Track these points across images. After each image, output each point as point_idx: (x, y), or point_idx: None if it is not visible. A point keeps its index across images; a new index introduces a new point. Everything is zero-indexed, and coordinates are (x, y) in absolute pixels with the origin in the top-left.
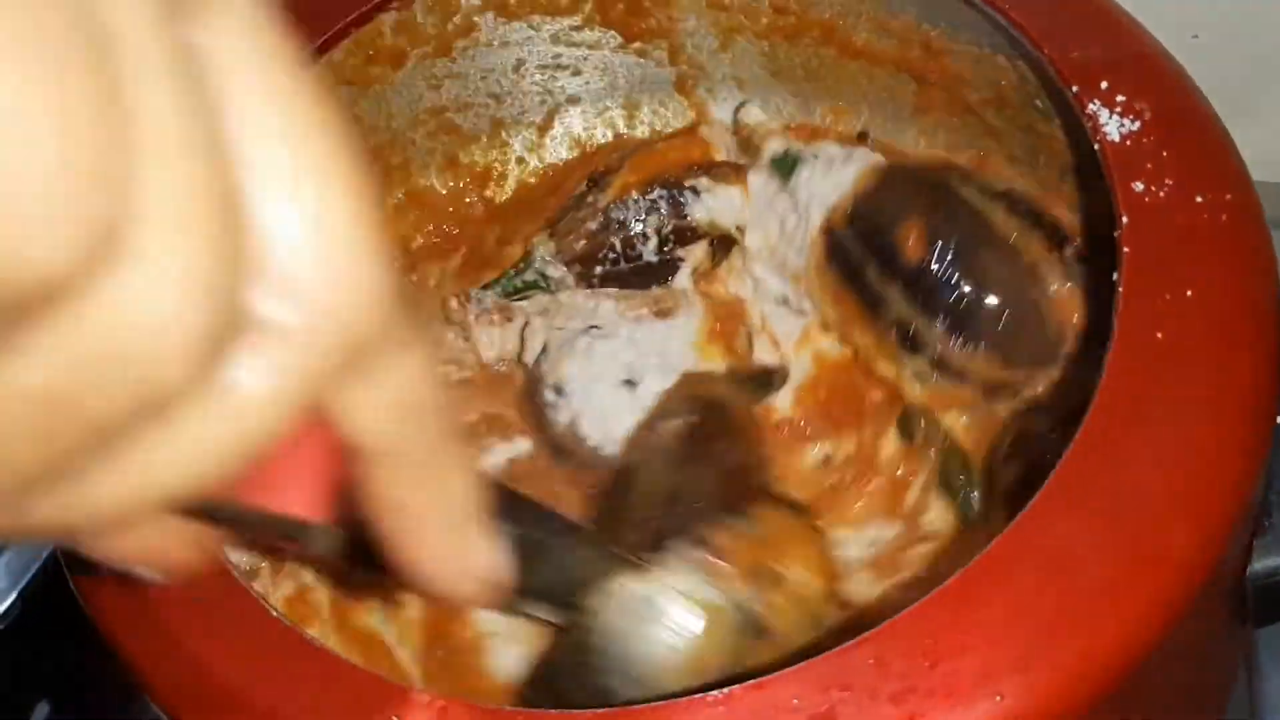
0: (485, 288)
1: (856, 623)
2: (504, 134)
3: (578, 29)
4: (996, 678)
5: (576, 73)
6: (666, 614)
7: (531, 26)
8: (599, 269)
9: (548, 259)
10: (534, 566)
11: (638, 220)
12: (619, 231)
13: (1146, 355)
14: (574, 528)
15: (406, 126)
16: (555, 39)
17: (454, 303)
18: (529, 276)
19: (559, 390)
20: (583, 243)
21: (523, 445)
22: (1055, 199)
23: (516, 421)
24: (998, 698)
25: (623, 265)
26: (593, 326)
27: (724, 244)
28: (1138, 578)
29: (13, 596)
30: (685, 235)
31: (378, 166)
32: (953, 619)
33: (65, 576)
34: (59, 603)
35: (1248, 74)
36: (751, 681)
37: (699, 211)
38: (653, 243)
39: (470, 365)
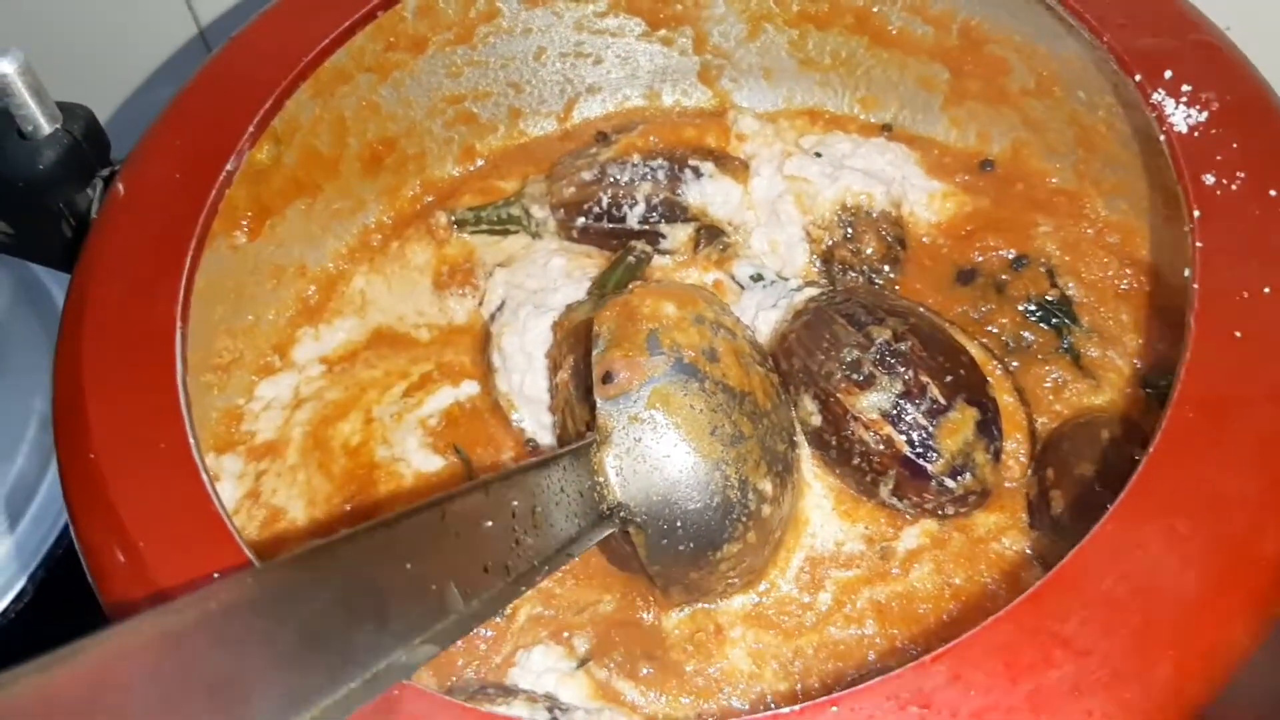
0: (472, 210)
1: (917, 625)
2: (521, 124)
3: (602, 15)
4: (1085, 694)
5: (598, 61)
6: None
7: (554, 13)
8: (580, 220)
9: (536, 197)
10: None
11: (633, 183)
12: (610, 188)
13: (1227, 354)
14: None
15: (424, 116)
16: (579, 26)
17: (441, 218)
18: (514, 210)
19: (503, 358)
20: (572, 189)
21: (469, 389)
22: (1093, 192)
23: (468, 367)
24: (1087, 715)
25: (604, 223)
26: (536, 291)
27: (710, 234)
28: (1230, 584)
29: (23, 581)
30: (674, 212)
31: (394, 156)
32: (1034, 632)
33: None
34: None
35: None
36: (825, 699)
37: (694, 194)
38: (639, 209)
39: (439, 325)
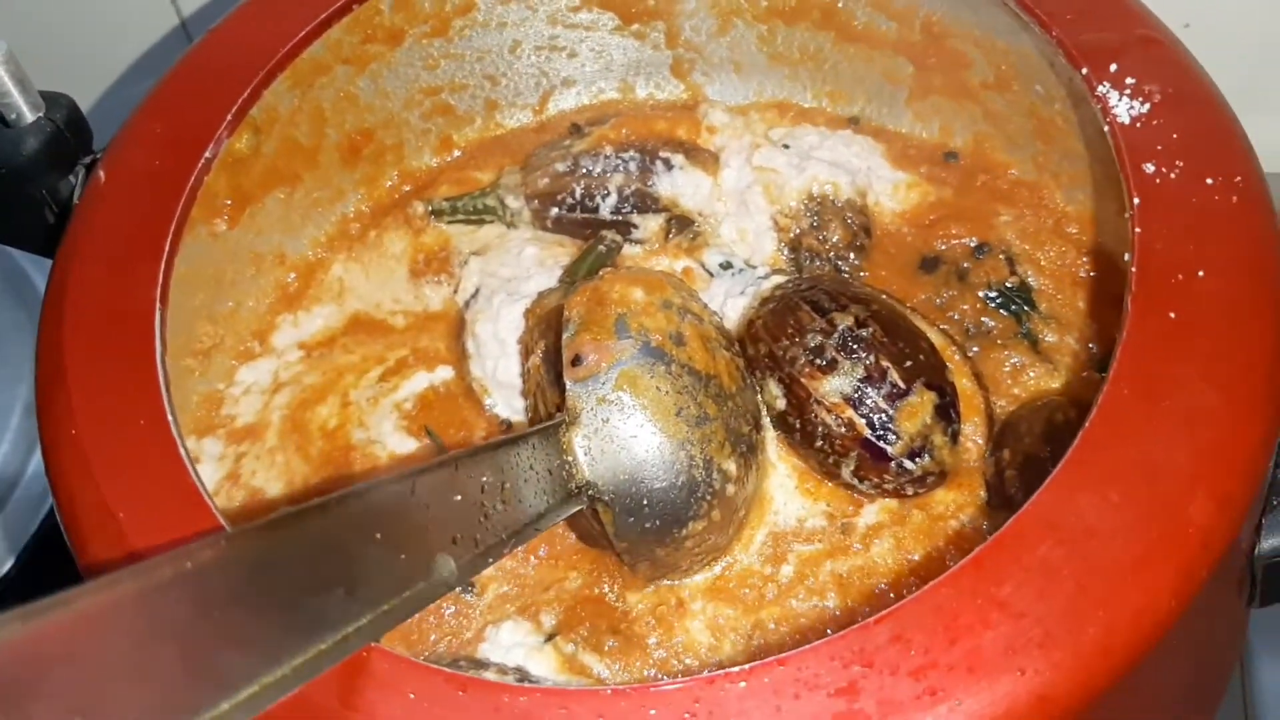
0: (449, 200)
1: (876, 601)
2: (498, 116)
3: (575, 10)
4: (1018, 653)
5: (573, 55)
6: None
7: (529, 7)
8: (554, 210)
9: (511, 188)
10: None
11: (605, 174)
12: (584, 179)
13: (1161, 334)
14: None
15: (402, 107)
16: (552, 20)
17: (418, 207)
18: (490, 201)
19: (477, 345)
20: (546, 180)
21: (444, 373)
22: (1052, 184)
23: (443, 353)
24: (1019, 672)
25: (578, 213)
26: (510, 279)
27: (680, 224)
28: (1160, 552)
29: (8, 565)
30: (645, 203)
31: (372, 147)
32: (972, 594)
33: (61, 545)
34: (54, 572)
35: (1239, 63)
36: (773, 658)
37: (665, 185)
38: (612, 200)
39: (414, 312)
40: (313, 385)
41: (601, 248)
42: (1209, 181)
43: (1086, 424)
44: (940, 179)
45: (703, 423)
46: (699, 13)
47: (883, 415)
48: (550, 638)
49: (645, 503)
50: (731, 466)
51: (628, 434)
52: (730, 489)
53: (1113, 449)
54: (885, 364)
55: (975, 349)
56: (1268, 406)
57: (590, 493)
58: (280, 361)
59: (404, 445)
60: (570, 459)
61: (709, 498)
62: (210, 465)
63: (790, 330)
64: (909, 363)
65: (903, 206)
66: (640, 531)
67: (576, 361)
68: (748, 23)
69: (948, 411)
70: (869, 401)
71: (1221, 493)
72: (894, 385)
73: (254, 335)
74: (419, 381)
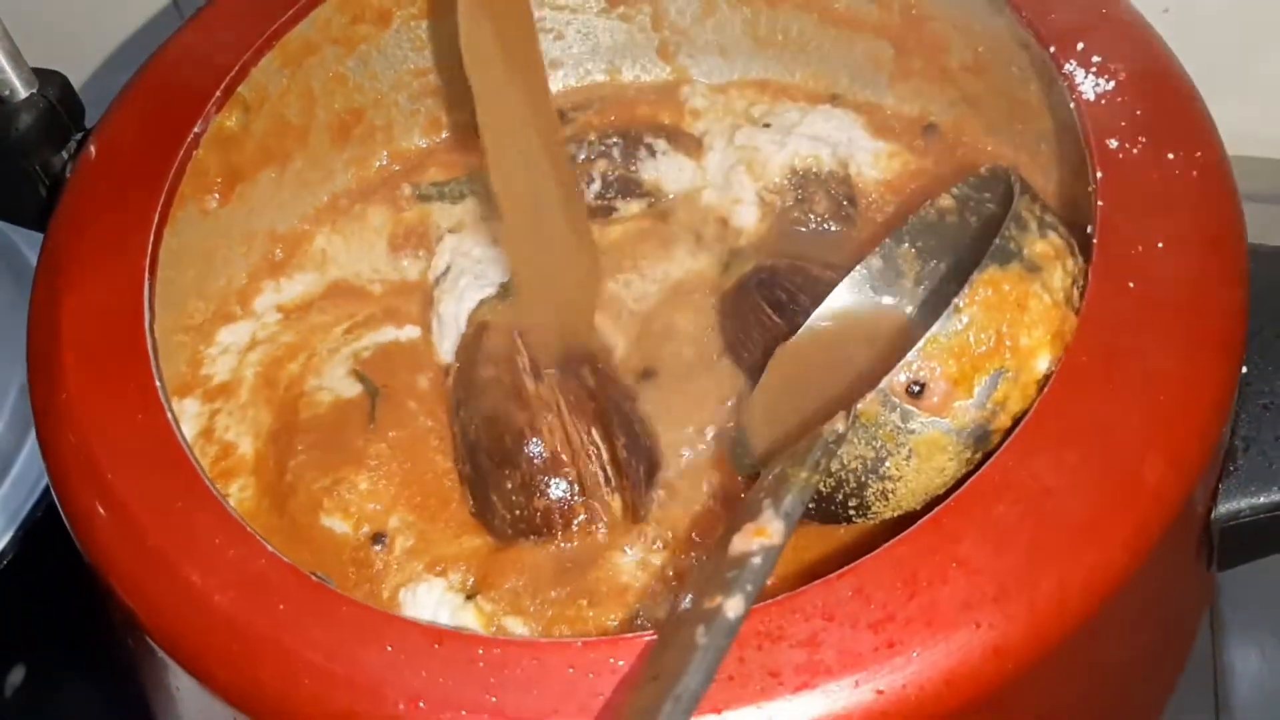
0: (435, 185)
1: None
2: None
3: None
4: (974, 607)
5: (559, 37)
6: None
7: None
8: None
9: None
10: None
11: (589, 160)
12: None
13: (1120, 303)
14: None
15: (390, 88)
16: (539, 2)
17: (406, 190)
18: (476, 187)
19: (440, 324)
20: None
21: (411, 331)
22: (1031, 164)
23: (415, 315)
24: (975, 626)
25: None
26: (480, 261)
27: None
28: (1113, 511)
29: (3, 543)
30: (629, 188)
31: (362, 127)
32: (931, 552)
33: (58, 524)
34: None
35: (1217, 47)
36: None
37: (648, 170)
38: (595, 186)
39: (392, 281)
40: (287, 343)
41: None
42: (1170, 156)
43: (1045, 389)
44: (920, 150)
45: None
46: None
47: None
48: (471, 597)
49: None
50: None
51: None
52: None
53: (1070, 413)
54: None
55: None
56: (1222, 372)
57: None
58: (259, 323)
59: (350, 389)
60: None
61: None
62: (188, 424)
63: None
64: None
65: (884, 175)
66: None
67: (918, 388)
68: (732, 5)
69: None
70: None
71: (1175, 454)
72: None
73: (237, 299)
74: (385, 334)
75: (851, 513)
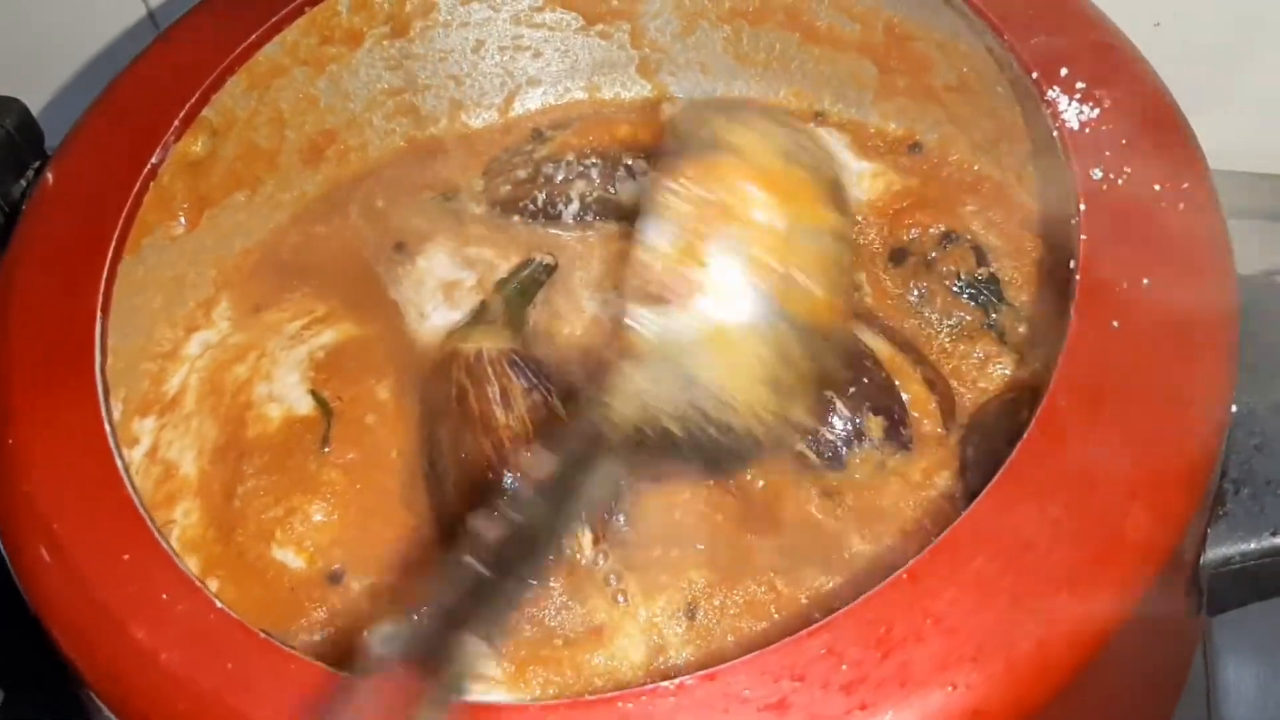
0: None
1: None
2: (464, 116)
3: (538, 9)
4: (951, 668)
5: (537, 55)
6: None
7: (491, 7)
8: (516, 218)
9: (473, 195)
10: None
11: (567, 181)
12: (545, 186)
13: (1103, 343)
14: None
15: (364, 108)
16: (516, 20)
17: (380, 201)
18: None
19: (419, 290)
20: (508, 188)
21: (372, 328)
22: (1017, 184)
23: (374, 312)
24: (950, 688)
25: (540, 221)
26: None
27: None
28: (1097, 565)
29: None
30: (608, 209)
31: (334, 148)
32: (906, 607)
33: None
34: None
35: (1209, 63)
36: (703, 672)
37: (627, 191)
38: (574, 206)
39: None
40: (235, 344)
41: (525, 273)
42: (1156, 188)
43: (1025, 435)
44: (905, 169)
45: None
46: (663, 13)
47: (829, 449)
48: None
49: None
50: None
51: None
52: None
53: (1051, 461)
54: (829, 394)
55: (945, 340)
56: (1211, 415)
57: None
58: (214, 330)
59: (302, 403)
60: None
61: None
62: (142, 444)
63: None
64: (853, 389)
65: (869, 195)
66: None
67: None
68: (712, 23)
69: (896, 431)
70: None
71: (1161, 504)
72: (841, 415)
73: (200, 307)
74: (345, 329)
75: (730, 443)
